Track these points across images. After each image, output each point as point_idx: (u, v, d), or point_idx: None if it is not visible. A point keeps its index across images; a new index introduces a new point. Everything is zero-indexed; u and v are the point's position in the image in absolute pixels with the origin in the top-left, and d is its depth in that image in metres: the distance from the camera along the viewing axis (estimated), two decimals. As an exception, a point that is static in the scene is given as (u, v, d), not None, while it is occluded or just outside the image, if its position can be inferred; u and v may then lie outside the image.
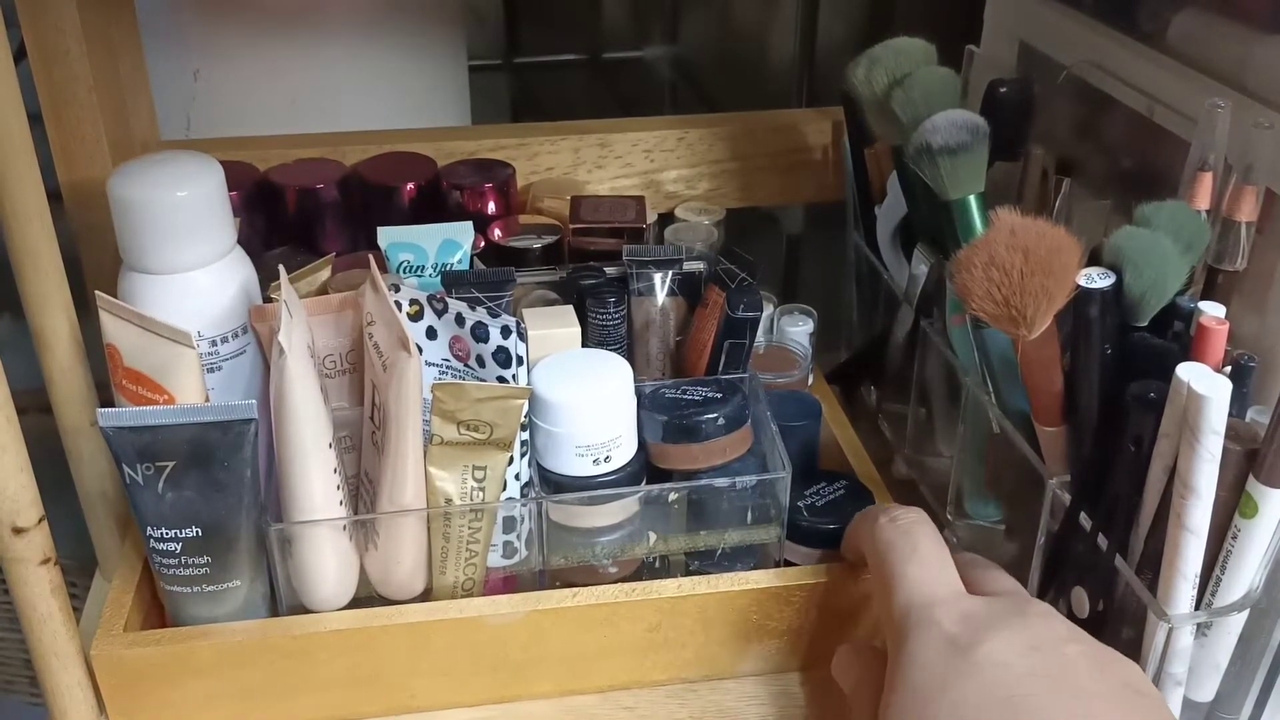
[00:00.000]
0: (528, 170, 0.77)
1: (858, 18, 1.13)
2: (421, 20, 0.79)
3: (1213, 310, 0.48)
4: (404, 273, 0.59)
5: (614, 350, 0.60)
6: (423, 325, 0.55)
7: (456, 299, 0.55)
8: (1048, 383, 0.51)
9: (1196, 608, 0.47)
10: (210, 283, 0.55)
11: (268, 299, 0.58)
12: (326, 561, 0.53)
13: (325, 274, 0.62)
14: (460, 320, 0.54)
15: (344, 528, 0.54)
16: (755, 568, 0.58)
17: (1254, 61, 0.52)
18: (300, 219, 0.72)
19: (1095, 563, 0.50)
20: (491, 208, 0.73)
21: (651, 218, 0.74)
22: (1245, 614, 0.48)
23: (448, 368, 0.56)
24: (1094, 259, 0.50)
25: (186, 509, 0.51)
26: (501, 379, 0.54)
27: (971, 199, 0.58)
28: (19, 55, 0.56)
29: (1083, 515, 0.51)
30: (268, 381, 0.54)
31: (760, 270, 0.59)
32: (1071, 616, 0.53)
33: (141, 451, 0.50)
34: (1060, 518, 0.53)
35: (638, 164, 0.78)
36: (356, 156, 0.75)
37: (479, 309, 0.54)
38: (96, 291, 0.53)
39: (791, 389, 0.67)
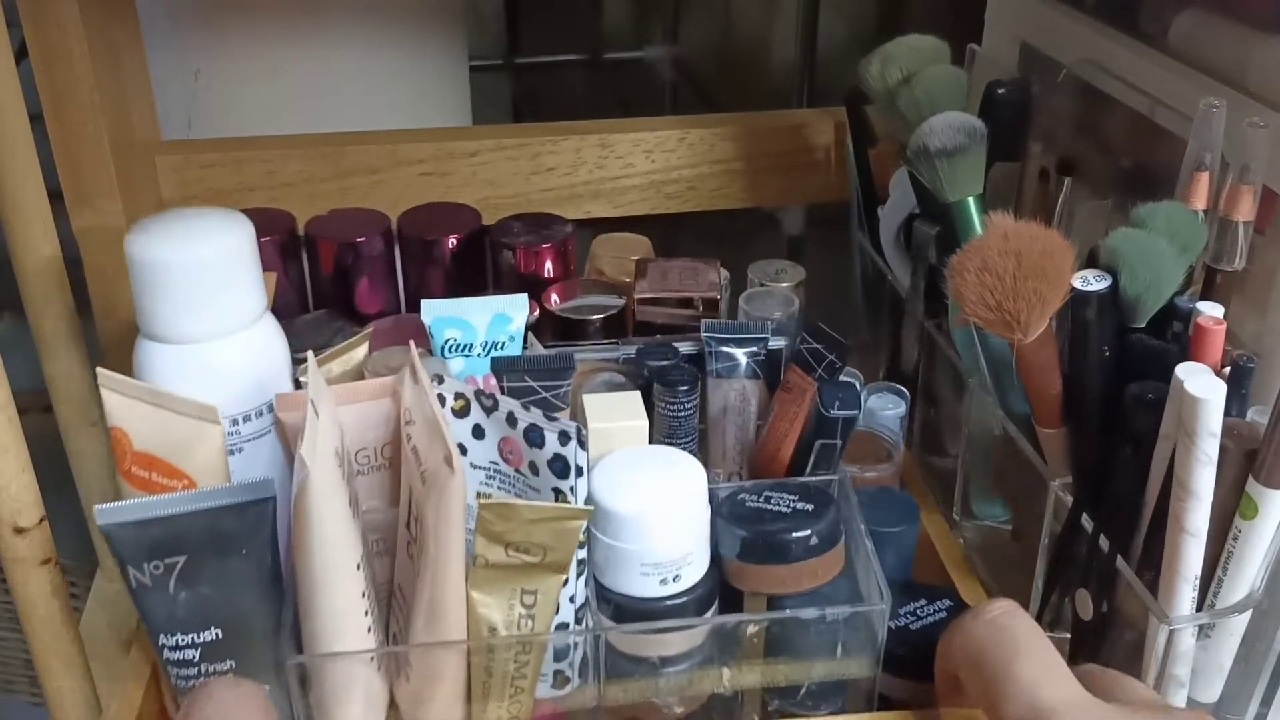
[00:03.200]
0: (528, 170, 0.77)
1: (859, 18, 1.13)
2: (421, 20, 0.79)
3: (1210, 310, 0.48)
4: (450, 352, 0.53)
5: (684, 445, 0.53)
6: (468, 423, 0.48)
7: (508, 390, 0.49)
8: (1046, 385, 0.51)
9: (1198, 609, 0.47)
10: (234, 354, 0.50)
11: (296, 380, 0.52)
12: (352, 697, 0.47)
13: (362, 351, 0.55)
14: (512, 420, 0.47)
15: (372, 658, 0.47)
16: (843, 709, 0.51)
17: (1253, 61, 0.52)
18: (338, 276, 0.68)
19: (1098, 565, 0.50)
20: (548, 269, 0.67)
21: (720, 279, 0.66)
22: (1247, 615, 0.48)
23: (495, 472, 0.49)
24: (1091, 260, 0.50)
25: (203, 609, 0.45)
26: (558, 491, 0.46)
27: (970, 201, 0.58)
28: (20, 55, 0.56)
29: (1084, 517, 0.51)
30: (292, 465, 0.49)
31: (850, 350, 0.53)
32: (1075, 618, 0.53)
33: (150, 548, 0.44)
34: (1063, 519, 0.53)
35: (639, 164, 0.78)
36: (357, 156, 0.75)
37: (533, 409, 0.46)
38: (99, 369, 0.48)
39: (882, 484, 0.59)
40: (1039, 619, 0.56)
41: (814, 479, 0.52)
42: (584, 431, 0.46)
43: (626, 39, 1.41)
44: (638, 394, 0.52)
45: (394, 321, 0.61)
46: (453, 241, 0.67)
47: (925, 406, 0.70)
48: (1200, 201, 0.50)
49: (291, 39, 0.74)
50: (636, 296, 0.61)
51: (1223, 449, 0.44)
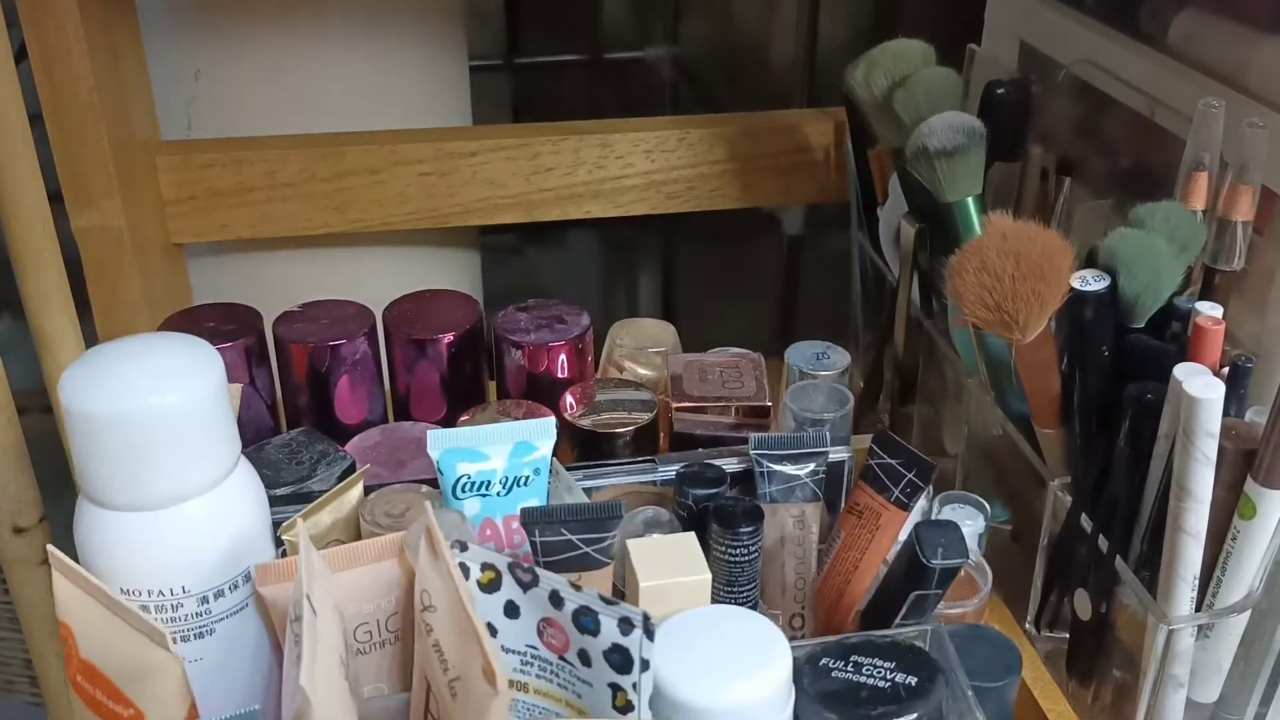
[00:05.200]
0: (528, 170, 0.77)
1: (859, 18, 1.13)
2: (421, 20, 0.79)
3: (1209, 310, 0.48)
4: (464, 491, 0.45)
5: (745, 593, 0.45)
6: (499, 598, 0.39)
7: (541, 545, 0.42)
8: (1044, 385, 0.51)
9: (1197, 609, 0.47)
10: (201, 521, 0.40)
11: (277, 538, 0.44)
12: None
13: (356, 494, 0.46)
14: (557, 600, 0.38)
15: None
16: None
17: (1253, 61, 0.52)
18: (313, 383, 0.59)
19: (1097, 565, 0.50)
20: (562, 367, 0.58)
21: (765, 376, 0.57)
22: (1246, 615, 0.48)
23: (533, 658, 0.40)
24: (1090, 260, 0.50)
25: None
26: (615, 687, 0.38)
27: (969, 201, 0.58)
28: (20, 55, 0.56)
29: (1083, 517, 0.51)
30: (276, 648, 0.43)
31: (934, 468, 0.46)
32: (1074, 618, 0.53)
33: None
34: (1062, 519, 0.53)
35: (638, 164, 0.78)
36: (357, 156, 0.75)
37: (587, 591, 0.38)
38: (49, 547, 0.39)
39: (967, 620, 0.51)
40: (1038, 619, 0.56)
41: (902, 633, 0.44)
42: (651, 621, 0.37)
43: (626, 39, 1.41)
44: (693, 538, 0.43)
45: (380, 434, 0.55)
46: (448, 339, 0.59)
47: (924, 406, 0.70)
48: (1199, 201, 0.50)
49: (291, 39, 0.74)
50: (675, 406, 0.53)
51: (1221, 449, 0.44)
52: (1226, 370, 0.47)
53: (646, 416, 0.54)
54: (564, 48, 1.41)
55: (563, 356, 0.59)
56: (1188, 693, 0.49)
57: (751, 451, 0.47)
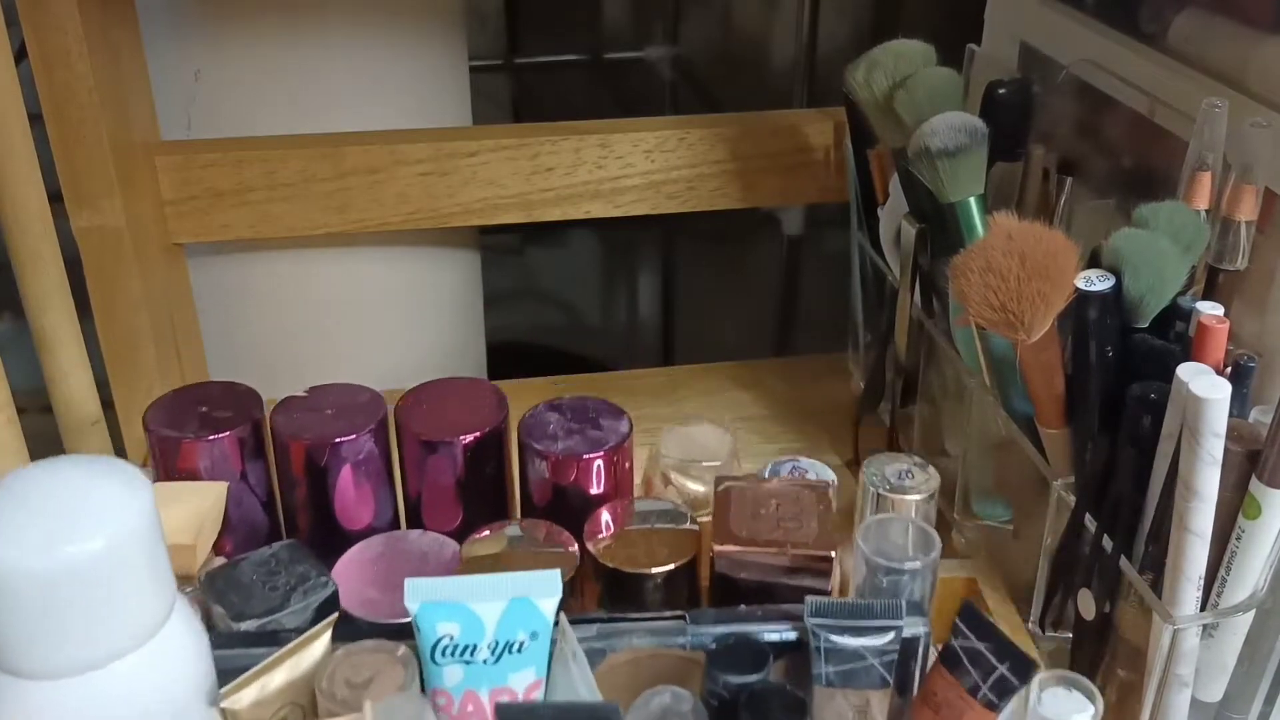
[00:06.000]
0: (528, 170, 0.77)
1: (859, 18, 1.13)
2: (421, 20, 0.79)
3: (1212, 309, 0.48)
4: (444, 656, 0.38)
5: None
6: None
7: None
8: (1049, 385, 0.51)
9: (1202, 609, 0.47)
10: (115, 689, 0.34)
11: (216, 698, 0.37)
12: None
13: (319, 649, 0.39)
14: None
15: None
16: None
17: (1254, 61, 0.52)
18: (313, 482, 0.52)
19: (1101, 565, 0.50)
20: (595, 481, 0.51)
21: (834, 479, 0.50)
22: (1251, 615, 0.48)
23: None
24: (1094, 260, 0.50)
25: None
26: None
27: (971, 201, 0.58)
28: (19, 55, 0.56)
29: (1087, 517, 0.51)
30: None
31: (1035, 666, 0.39)
32: (1078, 618, 0.53)
33: None
34: (1065, 519, 0.53)
35: (638, 164, 0.78)
36: (357, 156, 0.75)
37: None
38: None
39: None
40: (1041, 619, 0.56)
41: None
42: None
43: (626, 39, 1.41)
44: None
45: (383, 544, 0.49)
46: (466, 441, 0.52)
47: (925, 406, 0.70)
48: (1202, 201, 0.50)
49: (291, 39, 0.74)
50: (716, 549, 0.45)
51: (1225, 449, 0.44)
52: (1229, 370, 0.47)
53: (684, 555, 0.46)
54: (564, 48, 1.41)
55: (596, 466, 0.51)
56: (1193, 692, 0.49)
57: (808, 620, 0.39)
